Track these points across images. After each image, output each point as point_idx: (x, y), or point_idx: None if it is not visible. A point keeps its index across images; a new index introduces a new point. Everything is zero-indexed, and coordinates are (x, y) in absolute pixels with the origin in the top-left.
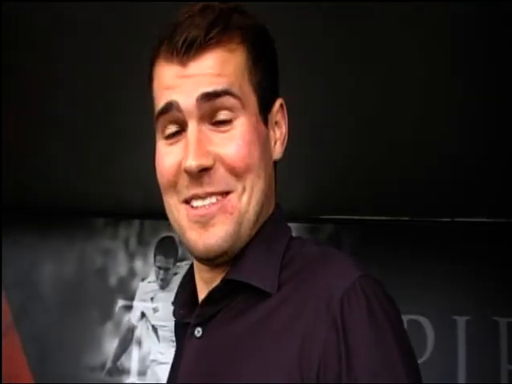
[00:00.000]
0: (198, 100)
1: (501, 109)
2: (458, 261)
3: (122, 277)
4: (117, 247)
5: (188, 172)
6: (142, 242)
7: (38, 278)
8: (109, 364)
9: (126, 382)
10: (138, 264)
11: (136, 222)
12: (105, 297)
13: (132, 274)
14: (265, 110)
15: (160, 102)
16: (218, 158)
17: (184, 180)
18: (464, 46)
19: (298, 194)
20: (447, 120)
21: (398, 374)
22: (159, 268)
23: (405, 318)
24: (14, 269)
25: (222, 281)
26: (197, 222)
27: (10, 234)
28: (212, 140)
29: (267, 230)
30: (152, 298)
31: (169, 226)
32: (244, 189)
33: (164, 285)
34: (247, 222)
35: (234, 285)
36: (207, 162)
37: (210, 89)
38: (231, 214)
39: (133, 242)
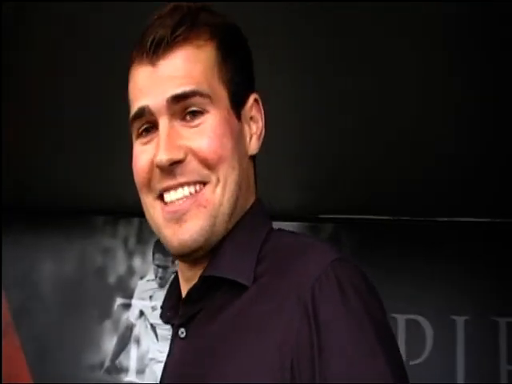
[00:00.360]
0: (167, 102)
1: (498, 108)
2: (458, 260)
3: (121, 275)
4: (116, 246)
5: (159, 166)
6: (140, 240)
7: (38, 277)
8: (107, 362)
9: (125, 380)
10: (137, 262)
11: (135, 221)
12: (103, 295)
13: (131, 272)
14: (237, 104)
15: (133, 108)
16: (190, 152)
17: (157, 175)
18: (461, 45)
19: (296, 193)
20: (445, 120)
21: (376, 361)
22: (158, 266)
23: (403, 317)
24: (13, 268)
25: (199, 278)
26: (171, 218)
27: (9, 234)
28: (183, 135)
29: (244, 224)
30: (151, 297)
31: None
32: (218, 180)
33: (163, 283)
34: (222, 216)
35: (211, 281)
36: (178, 156)
37: (178, 91)
38: (205, 207)
39: (132, 240)
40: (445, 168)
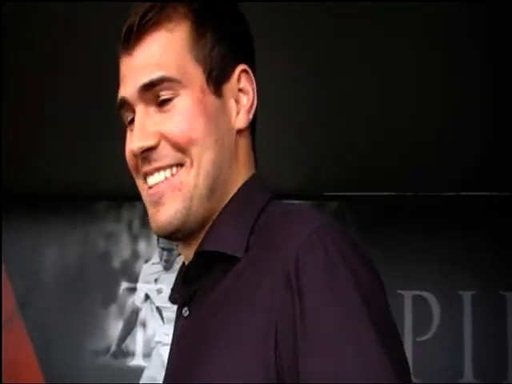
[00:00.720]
0: (139, 91)
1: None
2: (464, 235)
3: (126, 259)
4: (120, 230)
5: (134, 155)
6: (145, 223)
7: (43, 263)
8: (114, 347)
9: (131, 364)
10: (142, 246)
11: (139, 204)
12: (108, 280)
13: (135, 256)
14: (217, 80)
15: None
16: (163, 137)
17: (139, 161)
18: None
19: (300, 172)
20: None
21: (362, 336)
22: (163, 249)
23: (410, 293)
24: (17, 255)
25: (193, 255)
26: (151, 201)
27: (11, 220)
28: (157, 121)
29: (239, 199)
30: (156, 280)
31: None
32: (192, 162)
33: (168, 266)
34: (199, 197)
35: (206, 257)
36: (149, 143)
37: (146, 80)
38: (180, 190)
39: (136, 224)
40: (447, 148)
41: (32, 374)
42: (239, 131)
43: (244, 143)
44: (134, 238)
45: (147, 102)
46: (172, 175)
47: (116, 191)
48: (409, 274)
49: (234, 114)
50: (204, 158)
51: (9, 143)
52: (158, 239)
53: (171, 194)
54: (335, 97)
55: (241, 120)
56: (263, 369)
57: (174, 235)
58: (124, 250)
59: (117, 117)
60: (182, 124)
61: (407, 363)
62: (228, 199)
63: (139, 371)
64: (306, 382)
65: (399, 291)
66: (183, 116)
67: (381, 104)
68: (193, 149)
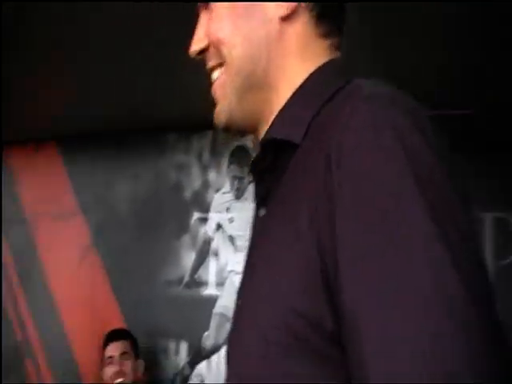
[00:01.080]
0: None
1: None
2: None
3: (197, 189)
4: (190, 160)
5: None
6: (215, 152)
7: (114, 197)
8: (187, 277)
9: (204, 293)
10: (212, 176)
11: (208, 134)
12: (180, 211)
13: (206, 185)
14: None
15: None
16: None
17: None
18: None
19: None
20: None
21: (414, 221)
22: (233, 178)
23: (490, 215)
24: (89, 190)
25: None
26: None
27: (83, 157)
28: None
29: (306, 87)
30: (227, 209)
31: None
32: (226, 61)
33: (239, 194)
34: (236, 92)
35: (270, 148)
36: (199, 46)
37: None
38: (223, 87)
39: (206, 153)
40: None
41: (108, 305)
42: (285, 18)
43: (295, 30)
44: (205, 168)
45: (205, 8)
46: (221, 74)
47: (185, 122)
48: (489, 194)
49: (272, 3)
50: (233, 55)
51: (72, 83)
52: (228, 167)
53: (219, 91)
54: None
55: (282, 6)
56: (307, 269)
57: (230, 129)
58: (195, 181)
59: (183, 47)
60: (213, 26)
61: (475, 264)
62: (288, 89)
63: (212, 300)
64: (343, 273)
65: (479, 213)
66: (214, 18)
67: None
68: (223, 48)
